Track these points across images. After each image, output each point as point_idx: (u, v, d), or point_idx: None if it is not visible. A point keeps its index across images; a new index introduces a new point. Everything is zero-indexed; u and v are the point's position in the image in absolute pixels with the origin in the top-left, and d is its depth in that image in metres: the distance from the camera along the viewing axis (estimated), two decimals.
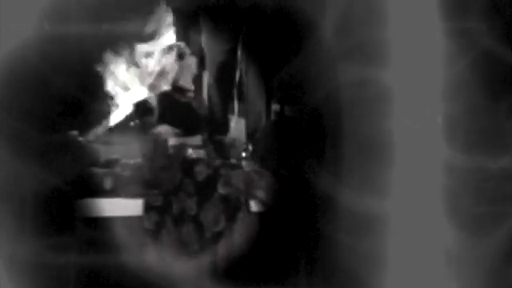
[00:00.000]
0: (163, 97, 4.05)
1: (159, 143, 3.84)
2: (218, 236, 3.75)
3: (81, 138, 4.18)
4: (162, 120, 4.09)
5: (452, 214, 3.46)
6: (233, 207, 3.78)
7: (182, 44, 4.48)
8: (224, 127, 4.81)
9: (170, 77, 4.06)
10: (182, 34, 5.55)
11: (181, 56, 4.04)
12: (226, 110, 5.02)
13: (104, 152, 4.19)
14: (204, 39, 5.51)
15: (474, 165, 3.46)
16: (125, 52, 4.50)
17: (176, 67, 4.03)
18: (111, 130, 4.43)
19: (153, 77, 4.26)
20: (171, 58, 4.10)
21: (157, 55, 4.27)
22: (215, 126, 4.73)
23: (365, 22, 3.45)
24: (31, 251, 3.49)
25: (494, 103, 3.53)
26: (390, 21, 3.48)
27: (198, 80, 4.64)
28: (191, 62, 4.10)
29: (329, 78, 3.49)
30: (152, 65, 4.26)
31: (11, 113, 3.44)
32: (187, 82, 3.99)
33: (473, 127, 3.52)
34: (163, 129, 3.92)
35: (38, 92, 3.52)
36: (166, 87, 4.24)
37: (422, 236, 3.52)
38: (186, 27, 5.59)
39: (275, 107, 4.50)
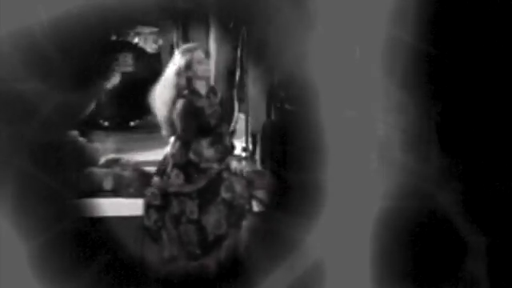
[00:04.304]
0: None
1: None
2: (220, 239, 3.74)
3: (81, 138, 4.20)
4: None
5: None
6: (237, 214, 3.76)
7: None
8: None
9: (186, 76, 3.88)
10: (185, 35, 5.60)
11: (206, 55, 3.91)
12: (230, 109, 5.05)
13: (104, 152, 4.22)
14: (212, 40, 5.54)
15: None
16: None
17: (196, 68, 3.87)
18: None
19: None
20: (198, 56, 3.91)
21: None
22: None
23: None
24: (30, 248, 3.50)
25: None
26: None
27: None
28: (207, 66, 3.96)
29: None
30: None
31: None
32: (201, 87, 3.86)
33: None
34: None
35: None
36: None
37: None
38: (189, 28, 5.64)
39: (276, 106, 4.49)
